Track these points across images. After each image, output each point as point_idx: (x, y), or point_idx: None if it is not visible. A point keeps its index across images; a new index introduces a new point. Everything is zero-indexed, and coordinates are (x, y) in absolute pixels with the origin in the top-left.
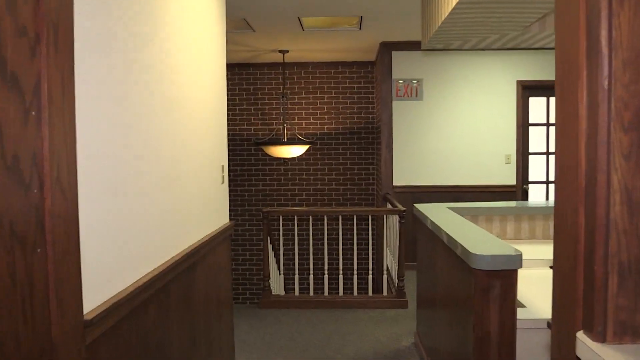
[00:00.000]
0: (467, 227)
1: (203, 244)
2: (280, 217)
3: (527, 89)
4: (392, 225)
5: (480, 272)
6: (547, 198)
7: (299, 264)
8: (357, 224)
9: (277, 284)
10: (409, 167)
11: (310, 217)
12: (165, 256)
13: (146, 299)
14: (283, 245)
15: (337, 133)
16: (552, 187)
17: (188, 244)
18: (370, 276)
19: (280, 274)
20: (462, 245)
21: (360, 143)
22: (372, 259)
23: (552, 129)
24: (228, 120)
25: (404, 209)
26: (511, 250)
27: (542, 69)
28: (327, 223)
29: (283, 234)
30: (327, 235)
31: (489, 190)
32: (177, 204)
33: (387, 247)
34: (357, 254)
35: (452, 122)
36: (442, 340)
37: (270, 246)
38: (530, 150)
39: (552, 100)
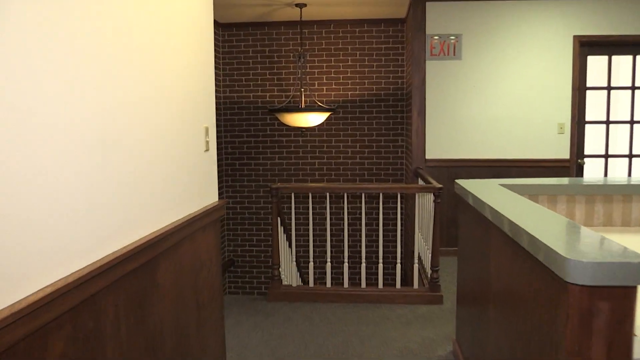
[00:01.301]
0: (542, 214)
1: (170, 231)
2: (293, 195)
3: (586, 46)
4: (424, 205)
5: (580, 290)
6: (605, 174)
7: (315, 250)
8: (383, 203)
9: (290, 273)
10: (445, 138)
11: (328, 195)
12: (92, 255)
13: (42, 327)
14: (296, 228)
15: (361, 100)
16: (612, 161)
17: (142, 234)
18: (398, 265)
19: (292, 261)
20: (545, 245)
21: (388, 111)
22: (401, 245)
23: (615, 93)
24: (240, 86)
25: (440, 186)
26: (632, 255)
27: (604, 20)
28: (349, 202)
29: (297, 214)
30: (349, 216)
31: (538, 165)
32: (118, 177)
33: (418, 230)
34: (384, 238)
35: (495, 85)
36: None
37: (281, 229)
38: (587, 119)
39: (615, 59)
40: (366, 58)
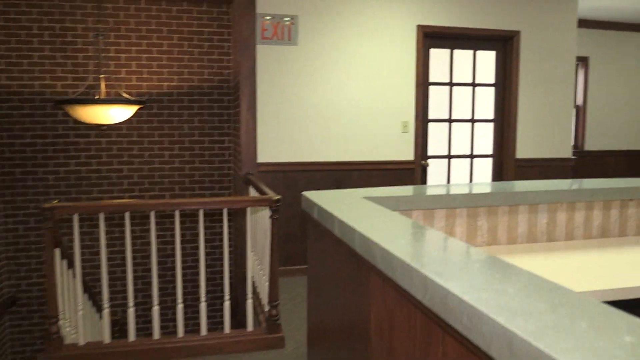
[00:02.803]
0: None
1: None
2: (76, 217)
3: (429, 38)
4: (259, 221)
5: None
6: (448, 177)
7: (110, 292)
8: (207, 222)
9: (78, 325)
10: (280, 138)
11: (128, 217)
12: None
13: None
14: (88, 262)
15: (181, 93)
16: (455, 162)
17: None
18: (227, 303)
19: (79, 310)
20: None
21: (213, 107)
22: (231, 275)
23: (457, 89)
24: (22, 72)
25: (278, 197)
26: None
27: (445, 10)
28: (159, 223)
29: (83, 244)
30: (159, 243)
31: (382, 167)
32: None
33: (251, 253)
34: (208, 268)
35: (336, 77)
36: None
37: (63, 264)
38: (430, 117)
39: (458, 53)
40: (186, 43)
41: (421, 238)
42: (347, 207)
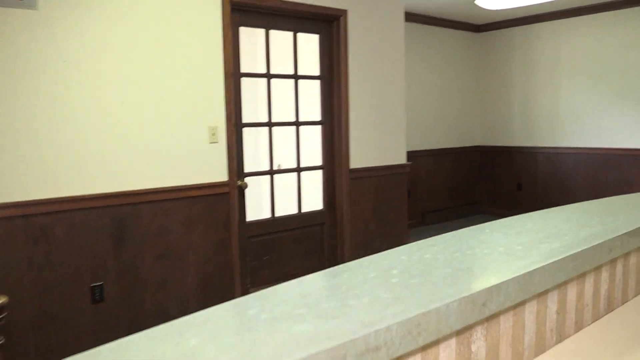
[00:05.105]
0: None
1: None
2: None
3: (238, 12)
4: None
5: None
6: (272, 198)
7: None
8: None
9: None
10: (13, 162)
11: None
12: None
13: None
14: None
15: None
16: (279, 179)
17: None
18: None
19: None
20: None
21: None
22: None
23: (277, 81)
24: None
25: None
26: None
27: None
28: None
29: None
30: None
31: (186, 195)
32: None
33: None
34: None
35: (104, 61)
36: None
37: None
38: (244, 120)
39: (275, 34)
40: None
41: None
42: None
